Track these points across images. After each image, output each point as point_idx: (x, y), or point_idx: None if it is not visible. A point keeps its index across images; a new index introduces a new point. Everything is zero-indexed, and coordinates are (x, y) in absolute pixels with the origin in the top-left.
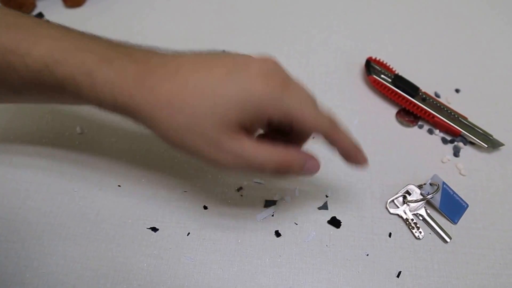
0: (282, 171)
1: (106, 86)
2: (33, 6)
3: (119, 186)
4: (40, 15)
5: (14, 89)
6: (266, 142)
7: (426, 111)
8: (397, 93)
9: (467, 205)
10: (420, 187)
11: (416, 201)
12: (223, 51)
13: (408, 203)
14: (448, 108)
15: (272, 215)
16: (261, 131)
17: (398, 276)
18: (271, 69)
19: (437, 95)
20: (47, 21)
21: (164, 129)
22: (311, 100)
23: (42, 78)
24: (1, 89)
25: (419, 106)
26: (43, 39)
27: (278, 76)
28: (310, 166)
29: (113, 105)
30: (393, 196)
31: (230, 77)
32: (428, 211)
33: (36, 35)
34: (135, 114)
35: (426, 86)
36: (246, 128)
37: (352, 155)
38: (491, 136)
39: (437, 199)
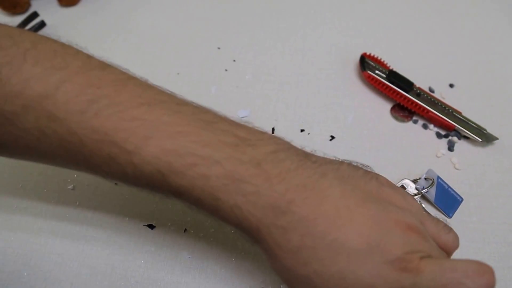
0: None
1: (233, 212)
2: (28, 5)
3: (115, 184)
4: (35, 14)
5: (112, 179)
6: None
7: (420, 106)
8: (391, 88)
9: (462, 199)
10: (415, 181)
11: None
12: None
13: None
14: (442, 103)
15: None
16: None
17: None
18: (413, 247)
19: (431, 90)
20: (152, 86)
21: (279, 268)
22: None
23: (153, 183)
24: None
25: (413, 101)
26: (156, 131)
27: (416, 259)
28: None
29: (237, 223)
30: None
31: (370, 253)
32: (423, 205)
33: (145, 119)
34: (257, 244)
35: (420, 81)
36: None
37: None
38: (485, 130)
39: (432, 193)
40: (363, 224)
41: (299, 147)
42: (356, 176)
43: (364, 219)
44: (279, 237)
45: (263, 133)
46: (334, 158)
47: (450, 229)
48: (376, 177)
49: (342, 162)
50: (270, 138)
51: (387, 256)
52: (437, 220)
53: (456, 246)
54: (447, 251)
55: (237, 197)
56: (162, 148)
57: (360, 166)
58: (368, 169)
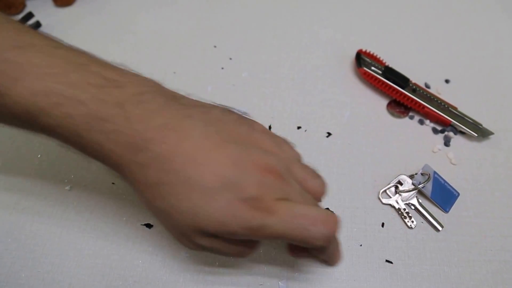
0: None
1: (96, 149)
2: (23, 5)
3: (113, 183)
4: (30, 15)
5: None
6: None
7: (416, 102)
8: (387, 84)
9: (458, 194)
10: (411, 177)
11: (408, 191)
12: (245, 114)
13: (400, 193)
14: (438, 99)
15: None
16: None
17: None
18: (266, 188)
19: (427, 86)
20: (30, 31)
21: (145, 203)
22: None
23: (25, 122)
24: None
25: (409, 97)
26: (25, 73)
27: (269, 200)
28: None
29: (102, 160)
30: (385, 187)
31: (222, 191)
32: (420, 201)
33: (16, 62)
34: (123, 177)
35: (416, 77)
36: None
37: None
38: (481, 125)
39: (428, 188)
40: (219, 163)
41: (172, 90)
42: (226, 120)
43: (221, 159)
44: (138, 173)
45: (136, 75)
46: (212, 103)
47: (318, 176)
48: (251, 123)
49: (215, 107)
50: (140, 80)
51: (239, 194)
52: (306, 166)
53: (322, 192)
54: (315, 196)
55: (99, 135)
56: (30, 89)
57: (236, 111)
58: (246, 116)
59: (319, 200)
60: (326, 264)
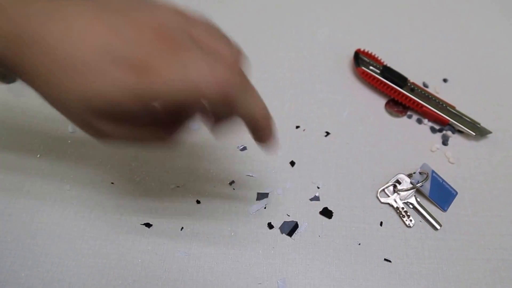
0: (165, 141)
1: None
2: None
3: (112, 183)
4: None
5: None
6: (145, 117)
7: (414, 101)
8: (385, 84)
9: (456, 193)
10: (410, 176)
11: (406, 190)
12: None
13: (398, 192)
14: (436, 98)
15: (265, 208)
16: None
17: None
18: (168, 23)
19: (425, 85)
20: None
21: (41, 95)
22: (211, 59)
23: None
24: None
25: (407, 97)
26: None
27: (148, 63)
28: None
29: None
30: (383, 186)
31: (97, 66)
32: (418, 200)
33: None
34: (16, 74)
35: (414, 77)
36: None
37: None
38: (479, 124)
39: (426, 187)
40: (92, 31)
41: None
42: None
43: (94, 26)
44: (19, 62)
45: None
46: None
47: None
48: None
49: None
50: None
51: (116, 60)
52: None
53: (229, 45)
54: (223, 56)
55: None
56: None
57: None
58: None
59: (236, 60)
60: (259, 142)
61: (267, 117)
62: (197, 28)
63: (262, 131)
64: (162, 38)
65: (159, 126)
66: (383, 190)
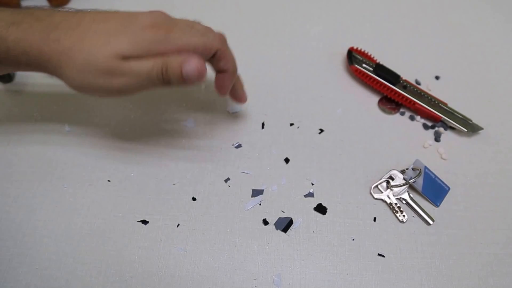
0: (164, 74)
1: (18, 46)
2: (18, 6)
3: (108, 181)
4: None
5: None
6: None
7: (407, 98)
8: (378, 81)
9: (449, 188)
10: (402, 172)
11: (399, 185)
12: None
13: (391, 188)
14: (429, 95)
15: (260, 204)
16: None
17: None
18: (158, 19)
19: (417, 82)
20: None
21: (68, 72)
22: (196, 30)
23: None
24: None
25: (400, 94)
26: None
27: (163, 23)
28: (189, 66)
29: (27, 62)
30: (376, 182)
31: (123, 27)
32: (411, 195)
33: None
34: (46, 65)
35: (407, 74)
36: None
37: (234, 78)
38: (470, 120)
39: (419, 183)
40: (113, 18)
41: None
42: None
43: (114, 18)
44: (55, 45)
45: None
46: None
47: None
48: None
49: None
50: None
51: (139, 25)
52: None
53: (211, 29)
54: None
55: (18, 33)
56: None
57: None
58: None
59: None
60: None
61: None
62: (181, 21)
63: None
64: (159, 28)
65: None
66: (377, 186)
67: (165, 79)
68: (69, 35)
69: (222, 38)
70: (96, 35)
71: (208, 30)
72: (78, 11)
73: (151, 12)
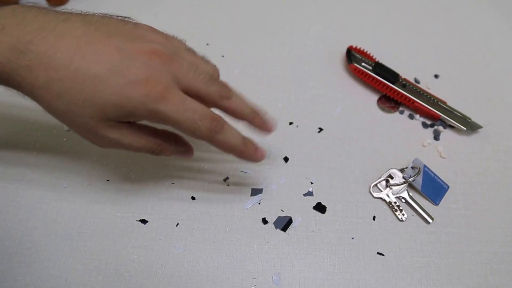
0: (156, 154)
1: None
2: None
3: (107, 180)
4: None
5: None
6: (143, 130)
7: (406, 97)
8: (378, 80)
9: (448, 187)
10: (402, 170)
11: (398, 184)
12: (124, 18)
13: (391, 186)
14: (428, 93)
15: (259, 203)
16: None
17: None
18: (155, 71)
19: (416, 81)
20: None
21: (46, 108)
22: (192, 107)
23: None
24: None
25: (399, 92)
26: None
27: (159, 82)
28: (180, 151)
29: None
30: (376, 181)
31: (112, 76)
32: (411, 194)
33: None
34: (17, 88)
35: (406, 73)
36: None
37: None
38: (470, 119)
39: (418, 181)
40: (104, 53)
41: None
42: (107, 21)
43: (106, 49)
44: (27, 76)
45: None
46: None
47: (208, 60)
48: (135, 22)
49: (94, 14)
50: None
51: (129, 78)
52: (195, 52)
53: (215, 73)
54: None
55: None
56: None
57: (119, 17)
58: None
59: (214, 78)
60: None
61: (255, 112)
62: (184, 52)
63: (254, 123)
64: (161, 59)
65: (152, 137)
66: (376, 185)
67: (157, 155)
68: (46, 68)
69: (223, 92)
70: (79, 78)
71: (212, 81)
72: (56, 25)
73: (149, 56)
